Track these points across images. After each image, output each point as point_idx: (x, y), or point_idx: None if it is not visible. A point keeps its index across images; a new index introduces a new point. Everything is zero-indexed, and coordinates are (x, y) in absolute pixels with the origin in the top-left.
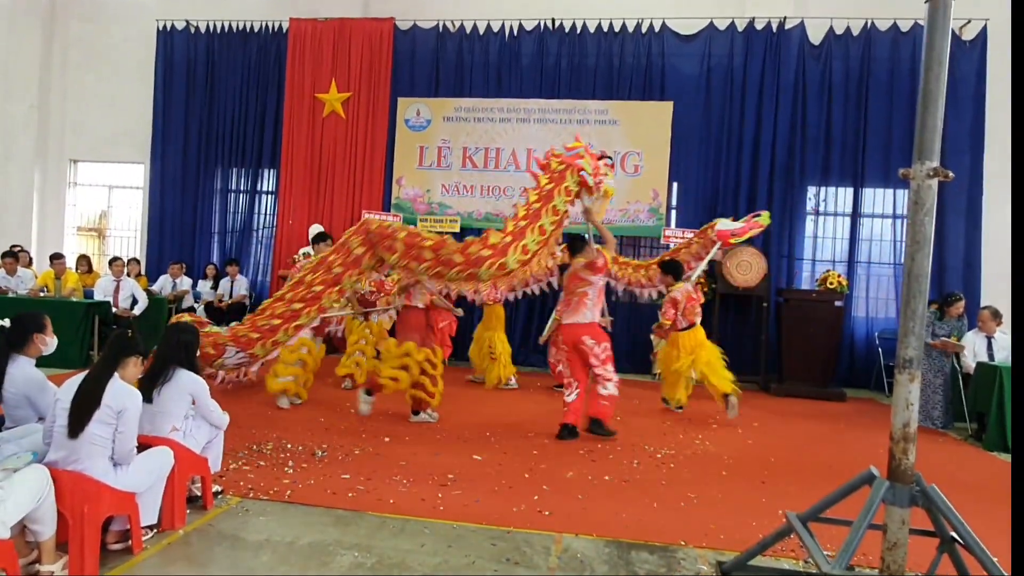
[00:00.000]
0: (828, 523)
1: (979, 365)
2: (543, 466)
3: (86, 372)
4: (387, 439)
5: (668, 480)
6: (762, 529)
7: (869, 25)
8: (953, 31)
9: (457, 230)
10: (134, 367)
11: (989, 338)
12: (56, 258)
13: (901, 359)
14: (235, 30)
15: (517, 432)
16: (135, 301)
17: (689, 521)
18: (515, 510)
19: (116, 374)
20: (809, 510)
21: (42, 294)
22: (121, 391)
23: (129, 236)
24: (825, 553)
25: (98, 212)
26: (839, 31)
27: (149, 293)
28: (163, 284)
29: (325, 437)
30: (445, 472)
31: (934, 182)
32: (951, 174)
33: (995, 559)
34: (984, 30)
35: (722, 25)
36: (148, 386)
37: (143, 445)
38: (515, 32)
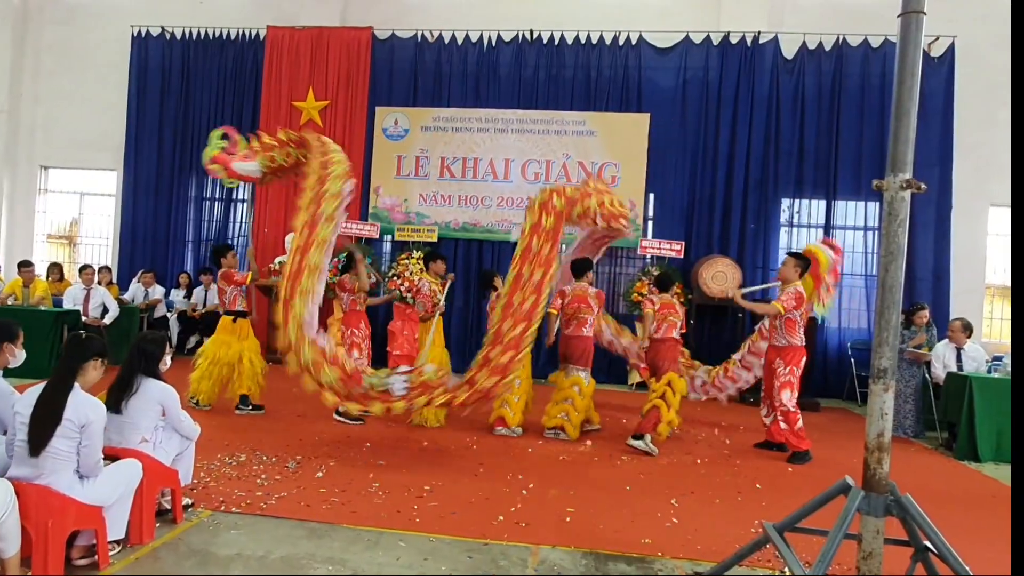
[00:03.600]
0: (804, 533)
1: (949, 376)
2: (521, 477)
3: (43, 384)
4: (363, 449)
5: (645, 491)
6: (738, 539)
7: (841, 41)
8: (922, 48)
9: (434, 239)
10: (94, 370)
11: (959, 349)
12: (24, 266)
13: (876, 369)
14: (211, 37)
15: (496, 443)
16: (105, 310)
17: (666, 532)
18: (493, 522)
19: (76, 384)
20: (785, 520)
21: (10, 302)
22: (83, 403)
23: (100, 244)
24: (801, 563)
25: (69, 219)
26: (812, 46)
27: (120, 302)
28: (135, 293)
29: (299, 448)
30: (421, 484)
31: (907, 194)
32: (923, 186)
33: (968, 568)
34: (952, 47)
35: (698, 39)
36: (116, 396)
37: (112, 457)
38: (493, 43)
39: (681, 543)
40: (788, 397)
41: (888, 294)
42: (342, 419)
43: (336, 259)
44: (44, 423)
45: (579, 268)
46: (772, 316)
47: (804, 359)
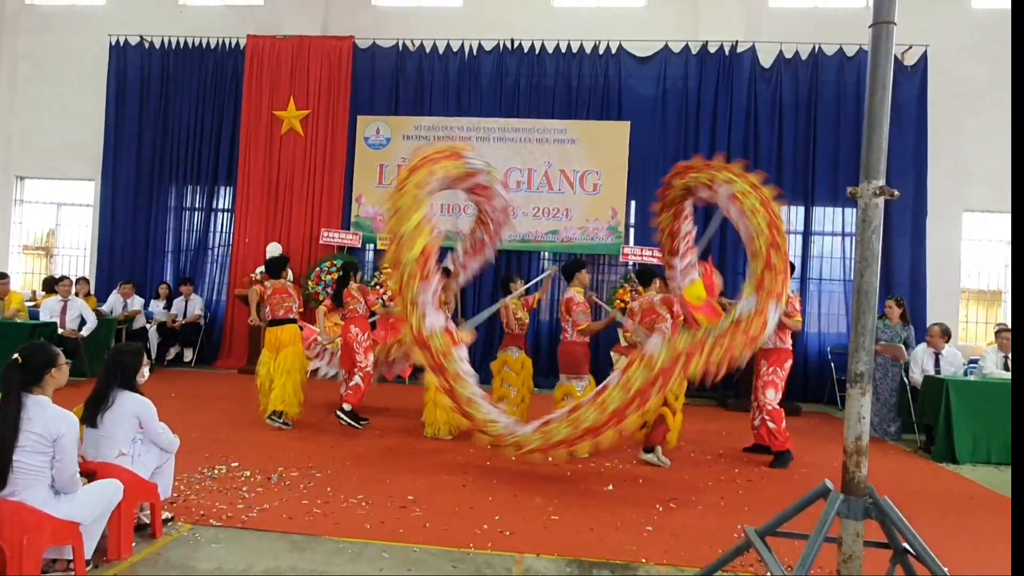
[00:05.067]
0: (785, 537)
1: (926, 379)
2: (505, 486)
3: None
4: (345, 460)
5: (628, 497)
6: (721, 544)
7: (816, 50)
8: (895, 56)
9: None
10: (57, 375)
11: (937, 354)
12: None
13: (852, 373)
14: (191, 46)
15: (480, 452)
16: (83, 322)
17: (649, 538)
18: (477, 531)
19: (45, 398)
20: (766, 525)
21: None
22: (54, 417)
23: (78, 255)
24: (783, 566)
25: (45, 230)
26: (788, 55)
27: (99, 314)
28: (113, 304)
29: (281, 460)
30: (405, 494)
31: (880, 200)
32: (896, 192)
33: (946, 569)
34: (924, 56)
35: (677, 48)
36: (92, 410)
37: (89, 472)
38: (474, 52)
39: (664, 549)
40: (772, 396)
41: (864, 299)
42: (345, 418)
43: (318, 268)
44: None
45: (568, 272)
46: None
47: (790, 361)
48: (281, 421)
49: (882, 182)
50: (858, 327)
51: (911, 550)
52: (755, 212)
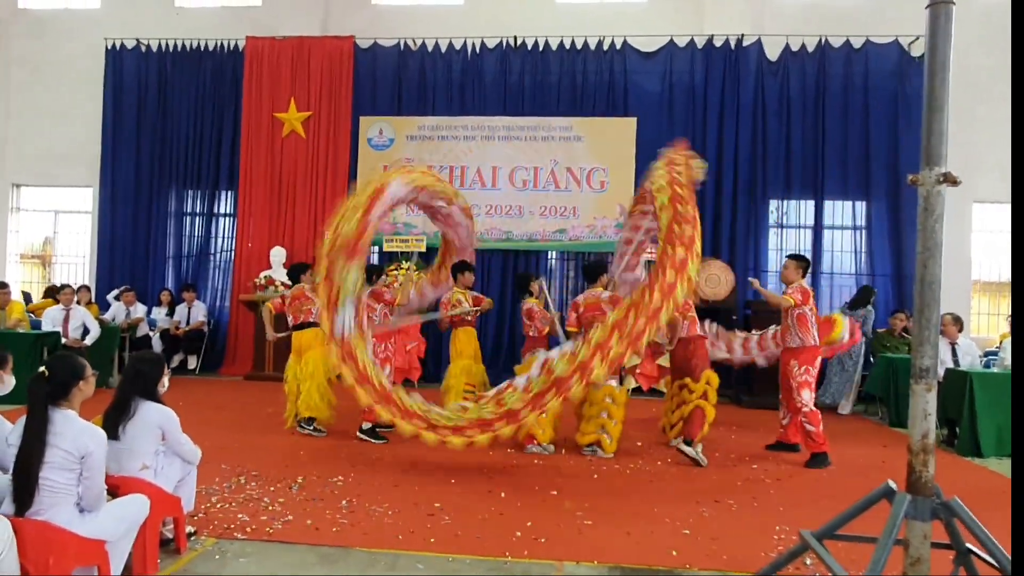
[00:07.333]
0: (845, 540)
1: (948, 371)
2: (531, 490)
3: (24, 437)
4: (364, 468)
5: (659, 501)
6: (762, 546)
7: (823, 42)
8: (903, 47)
9: (423, 249)
10: (84, 388)
11: (952, 344)
12: None
13: (917, 368)
14: (188, 49)
15: (502, 457)
16: (86, 331)
17: (687, 541)
18: (511, 539)
19: (72, 412)
20: (824, 528)
21: None
22: (82, 432)
23: (76, 263)
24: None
25: (42, 238)
26: (795, 48)
27: (101, 322)
28: (115, 312)
29: (302, 468)
30: (431, 501)
31: (943, 188)
32: (959, 179)
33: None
34: None
35: (682, 42)
36: (113, 421)
37: (111, 486)
38: (477, 50)
39: (705, 553)
40: (808, 397)
41: (927, 291)
42: (365, 437)
43: None
44: (23, 488)
45: (592, 272)
46: (784, 314)
47: (819, 358)
48: (312, 428)
49: (945, 168)
50: (922, 320)
51: (976, 551)
52: (661, 191)
